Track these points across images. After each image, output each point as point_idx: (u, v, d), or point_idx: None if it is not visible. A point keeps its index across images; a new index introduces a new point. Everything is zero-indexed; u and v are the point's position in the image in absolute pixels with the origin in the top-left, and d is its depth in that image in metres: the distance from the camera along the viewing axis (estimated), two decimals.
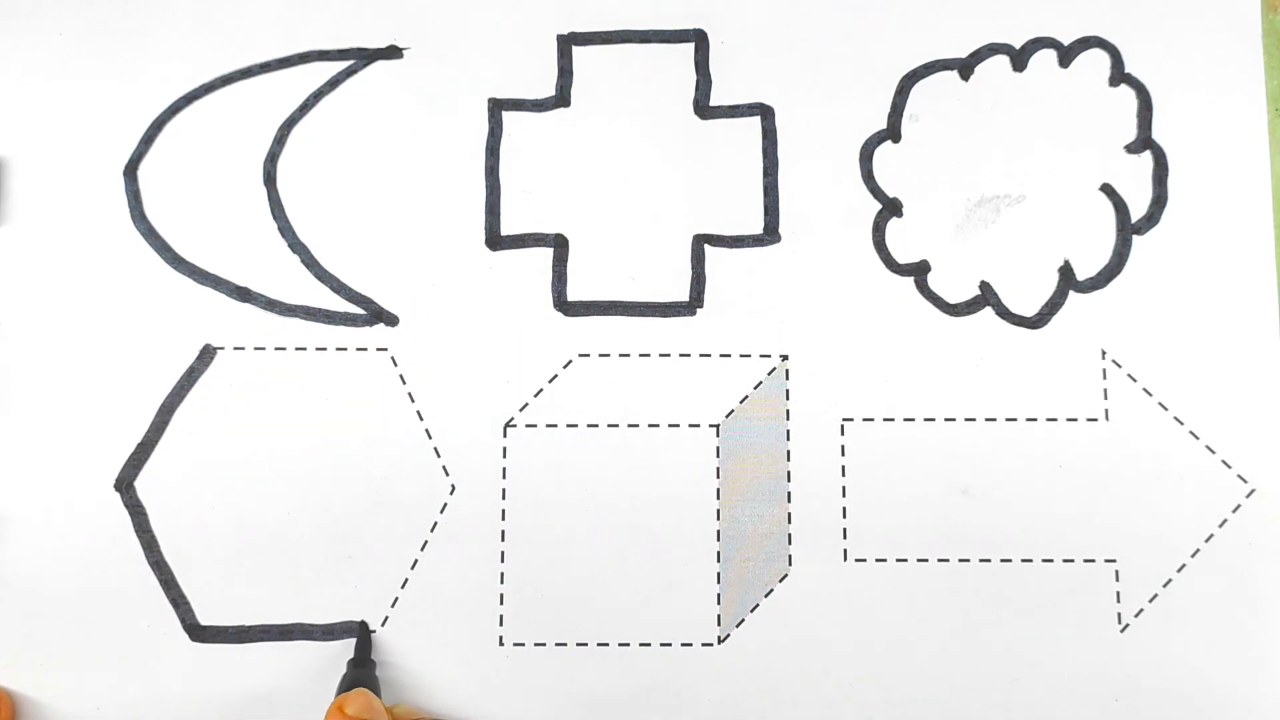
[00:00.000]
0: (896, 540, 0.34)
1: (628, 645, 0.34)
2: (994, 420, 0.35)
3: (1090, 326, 0.35)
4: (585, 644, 0.34)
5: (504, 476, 0.34)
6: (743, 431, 0.35)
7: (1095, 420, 0.35)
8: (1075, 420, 0.35)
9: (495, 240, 0.36)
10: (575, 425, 0.35)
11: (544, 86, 0.37)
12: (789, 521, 0.34)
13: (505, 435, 0.35)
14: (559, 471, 0.34)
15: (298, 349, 0.35)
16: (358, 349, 0.35)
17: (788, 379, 0.35)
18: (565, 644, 0.34)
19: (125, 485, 0.34)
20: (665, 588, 0.34)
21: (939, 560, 0.34)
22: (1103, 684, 0.33)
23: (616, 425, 0.35)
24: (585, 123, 0.36)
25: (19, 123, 0.36)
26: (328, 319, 0.35)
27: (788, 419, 0.35)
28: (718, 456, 0.35)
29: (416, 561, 0.34)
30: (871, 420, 0.35)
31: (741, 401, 0.35)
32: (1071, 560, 0.34)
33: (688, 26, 0.37)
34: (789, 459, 0.35)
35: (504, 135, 0.36)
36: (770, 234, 0.36)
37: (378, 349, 0.35)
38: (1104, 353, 0.35)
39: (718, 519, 0.34)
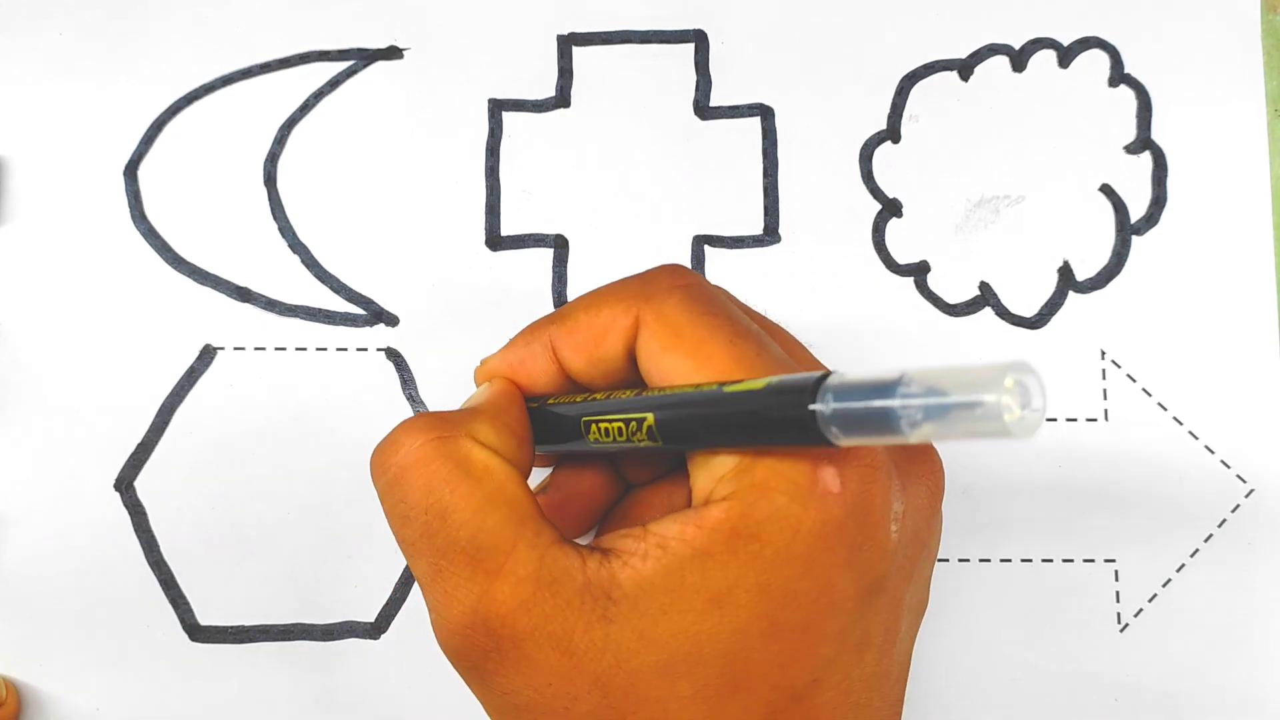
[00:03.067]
0: None
1: None
2: None
3: (1090, 327, 0.35)
4: None
5: None
6: None
7: (1095, 420, 0.35)
8: (1075, 420, 0.35)
9: (495, 240, 0.36)
10: None
11: (544, 87, 0.37)
12: None
13: None
14: None
15: (298, 349, 0.35)
16: (358, 349, 0.35)
17: None
18: None
19: (125, 485, 0.34)
20: None
21: (939, 560, 0.34)
22: (1103, 684, 0.33)
23: None
24: (585, 123, 0.36)
25: (19, 123, 0.36)
26: (328, 319, 0.35)
27: None
28: None
29: None
30: None
31: None
32: (1071, 560, 0.34)
33: (688, 26, 0.37)
34: None
35: (504, 135, 0.36)
36: (770, 234, 0.36)
37: (378, 349, 0.35)
38: (1104, 353, 0.35)
39: None
